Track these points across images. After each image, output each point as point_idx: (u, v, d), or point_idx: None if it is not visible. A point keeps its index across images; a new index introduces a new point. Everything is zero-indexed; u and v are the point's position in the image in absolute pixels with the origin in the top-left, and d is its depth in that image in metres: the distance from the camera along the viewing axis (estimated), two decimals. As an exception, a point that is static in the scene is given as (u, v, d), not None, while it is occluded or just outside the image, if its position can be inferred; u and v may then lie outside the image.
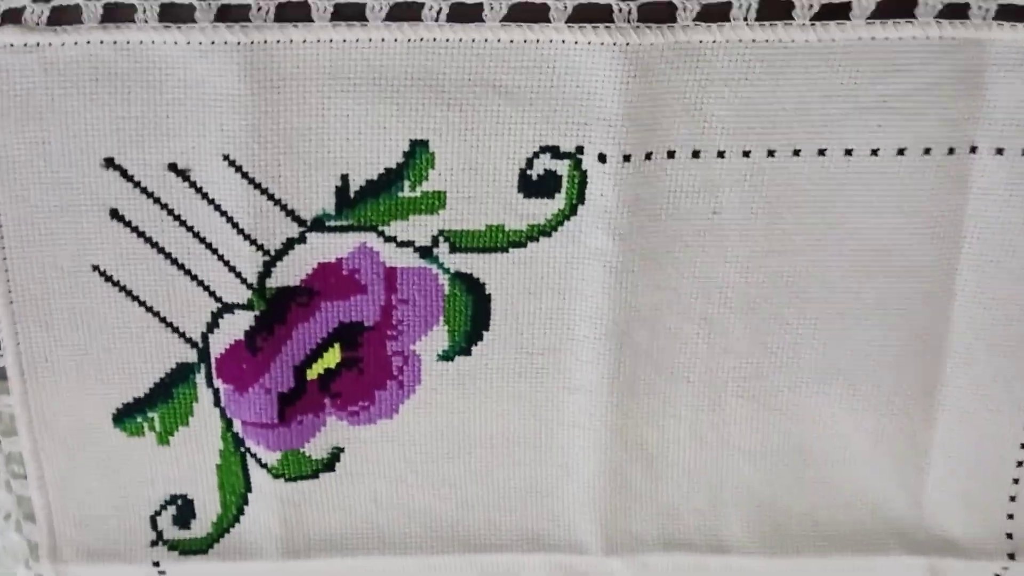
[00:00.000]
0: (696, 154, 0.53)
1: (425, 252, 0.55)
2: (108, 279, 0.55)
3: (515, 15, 0.50)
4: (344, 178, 0.53)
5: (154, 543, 0.61)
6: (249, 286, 0.55)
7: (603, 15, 0.49)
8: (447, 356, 0.57)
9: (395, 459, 0.60)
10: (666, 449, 0.60)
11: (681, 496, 0.61)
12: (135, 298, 0.55)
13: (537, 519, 0.61)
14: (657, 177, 0.53)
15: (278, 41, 0.49)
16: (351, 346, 0.57)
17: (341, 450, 0.60)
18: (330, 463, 0.60)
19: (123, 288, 0.55)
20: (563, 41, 0.50)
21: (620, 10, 0.49)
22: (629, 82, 0.50)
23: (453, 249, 0.55)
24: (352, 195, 0.53)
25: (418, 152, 0.52)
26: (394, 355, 0.57)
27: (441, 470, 0.60)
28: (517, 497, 0.61)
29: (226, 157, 0.52)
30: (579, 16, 0.50)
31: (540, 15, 0.50)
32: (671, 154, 0.53)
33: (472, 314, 0.56)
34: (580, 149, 0.52)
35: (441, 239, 0.54)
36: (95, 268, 0.55)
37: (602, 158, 0.52)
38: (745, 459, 0.60)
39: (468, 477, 0.61)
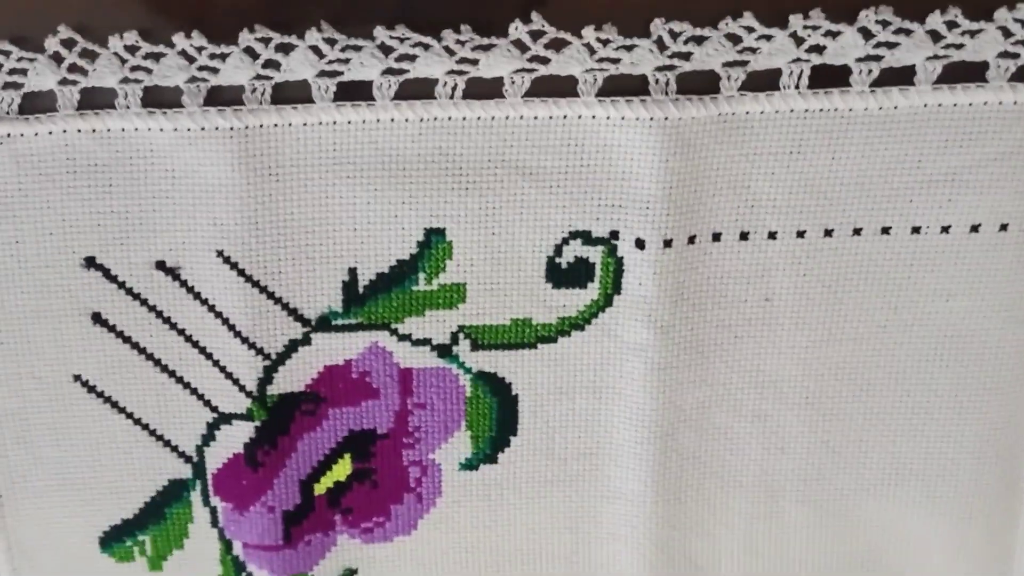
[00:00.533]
0: (744, 236, 0.47)
1: (444, 351, 0.49)
2: (91, 390, 0.49)
3: (539, 89, 0.44)
4: (352, 272, 0.47)
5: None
6: (248, 394, 0.49)
7: (637, 87, 0.44)
8: (470, 465, 0.51)
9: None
10: (717, 563, 0.54)
11: (735, 613, 0.55)
12: (121, 410, 0.50)
13: None
14: (702, 262, 0.47)
15: (275, 125, 0.44)
16: (363, 456, 0.51)
17: (354, 572, 0.54)
18: (342, 586, 0.54)
19: (108, 399, 0.50)
20: (593, 117, 0.44)
21: (657, 81, 0.44)
22: (668, 159, 0.45)
23: (475, 346, 0.49)
24: (361, 290, 0.48)
25: (434, 241, 0.47)
26: (411, 465, 0.51)
27: (466, 589, 0.54)
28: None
29: (220, 253, 0.46)
30: (610, 89, 0.44)
31: (567, 89, 0.44)
32: (716, 237, 0.47)
33: (497, 417, 0.51)
34: (615, 234, 0.47)
35: (461, 336, 0.49)
36: (77, 378, 0.49)
37: (640, 244, 0.46)
38: (806, 574, 0.54)
39: None
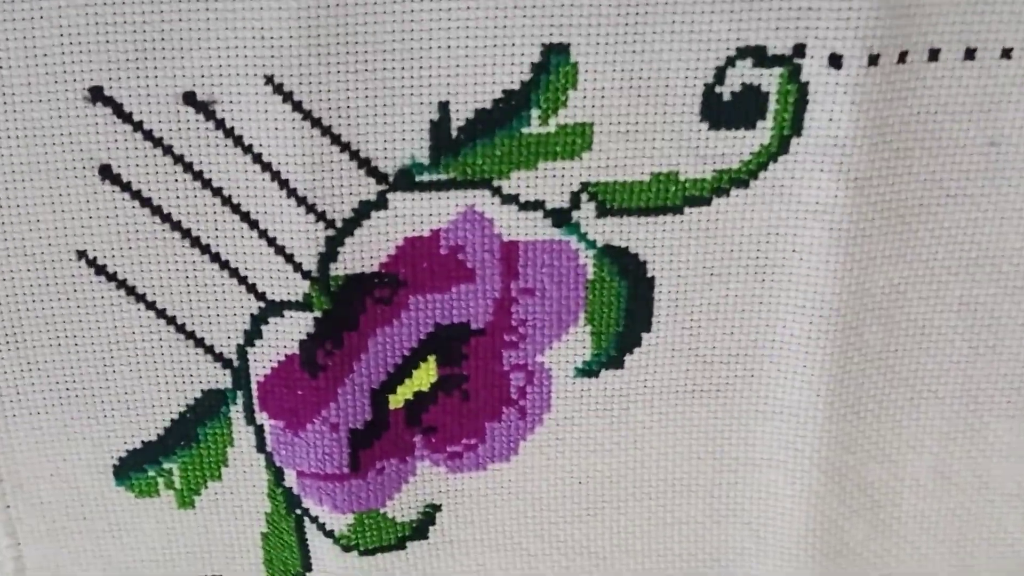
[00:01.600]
0: (971, 54, 0.35)
1: (561, 217, 0.37)
2: (100, 270, 0.38)
3: None
4: (443, 109, 0.36)
5: (177, 645, 0.44)
6: (306, 275, 0.38)
7: None
8: (589, 370, 0.40)
9: (512, 519, 0.43)
10: (899, 495, 0.42)
11: (919, 559, 0.43)
12: (140, 297, 0.38)
13: None
14: (912, 90, 0.35)
15: None
16: (451, 359, 0.39)
17: (437, 508, 0.42)
18: (422, 527, 0.43)
19: (122, 283, 0.38)
20: None
21: None
22: (883, -58, 0.33)
23: (602, 211, 0.37)
24: (455, 134, 0.36)
25: (554, 63, 0.35)
26: (513, 370, 0.40)
27: (577, 534, 0.43)
28: (685, 568, 0.44)
29: (269, 80, 0.35)
30: None
31: None
32: (934, 55, 0.35)
33: (626, 307, 0.39)
34: (800, 50, 0.35)
35: (584, 197, 0.37)
36: (81, 255, 0.38)
37: (835, 61, 0.34)
38: (1010, 507, 0.43)
39: (615, 543, 0.43)
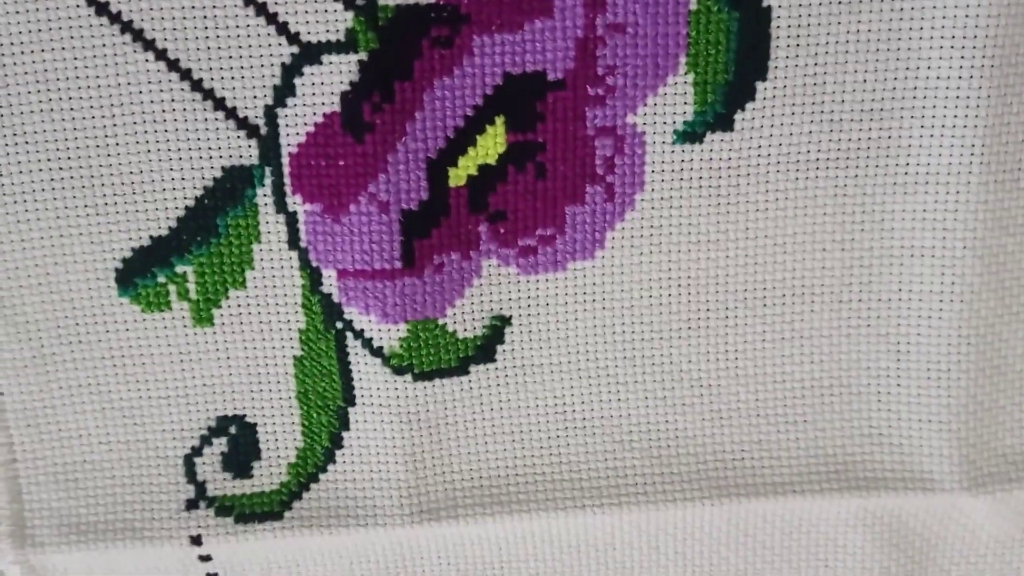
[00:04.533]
0: None
1: (659, -75, 0.31)
2: (101, 8, 0.31)
3: None
4: None
5: (192, 504, 0.36)
6: (348, 4, 0.31)
7: None
8: (692, 132, 0.33)
9: (596, 336, 0.35)
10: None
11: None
12: (148, 44, 0.32)
13: (845, 437, 0.36)
14: None
15: None
16: (524, 122, 0.33)
17: (506, 321, 0.35)
18: (488, 346, 0.35)
19: (127, 26, 0.31)
20: None
21: None
22: None
23: (709, -82, 0.31)
24: None
25: None
26: (599, 135, 0.33)
27: (675, 354, 0.35)
28: (807, 395, 0.36)
29: None
30: None
31: None
32: None
33: (737, 49, 0.32)
34: None
35: None
36: (82, -8, 0.31)
37: None
38: None
39: (721, 366, 0.36)
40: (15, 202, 0.33)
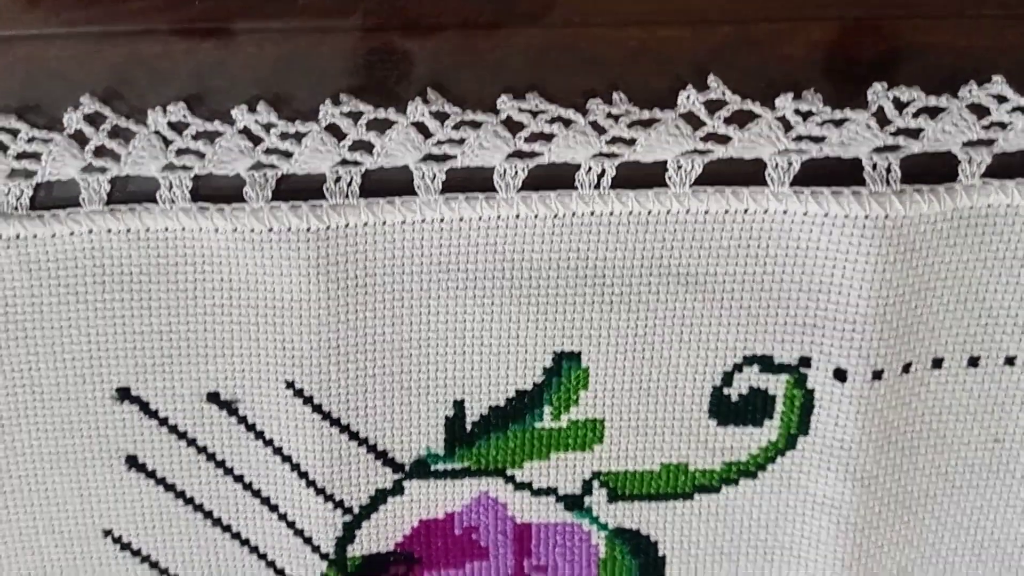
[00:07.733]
0: (974, 362, 0.36)
1: (573, 503, 0.38)
2: (126, 547, 0.39)
3: (712, 176, 0.33)
4: (458, 406, 0.37)
5: None
6: (323, 556, 0.39)
7: (846, 173, 0.33)
8: (601, 641, 0.41)
9: None
10: None
11: None
12: (163, 572, 0.39)
13: None
14: (916, 396, 0.36)
15: (365, 224, 0.34)
16: (466, 629, 0.40)
17: None
18: None
19: (146, 559, 0.39)
20: (785, 212, 0.33)
21: (875, 167, 0.33)
22: (886, 269, 0.33)
23: (613, 497, 0.38)
24: (469, 428, 0.37)
25: (565, 368, 0.36)
26: (527, 642, 0.41)
27: None
28: None
29: (290, 385, 0.36)
30: (809, 175, 0.33)
31: (750, 175, 0.33)
32: (938, 363, 0.36)
33: (638, 584, 0.40)
34: (805, 361, 0.36)
35: (596, 484, 0.38)
36: (107, 534, 0.39)
37: (840, 375, 0.35)
38: None
39: None
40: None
